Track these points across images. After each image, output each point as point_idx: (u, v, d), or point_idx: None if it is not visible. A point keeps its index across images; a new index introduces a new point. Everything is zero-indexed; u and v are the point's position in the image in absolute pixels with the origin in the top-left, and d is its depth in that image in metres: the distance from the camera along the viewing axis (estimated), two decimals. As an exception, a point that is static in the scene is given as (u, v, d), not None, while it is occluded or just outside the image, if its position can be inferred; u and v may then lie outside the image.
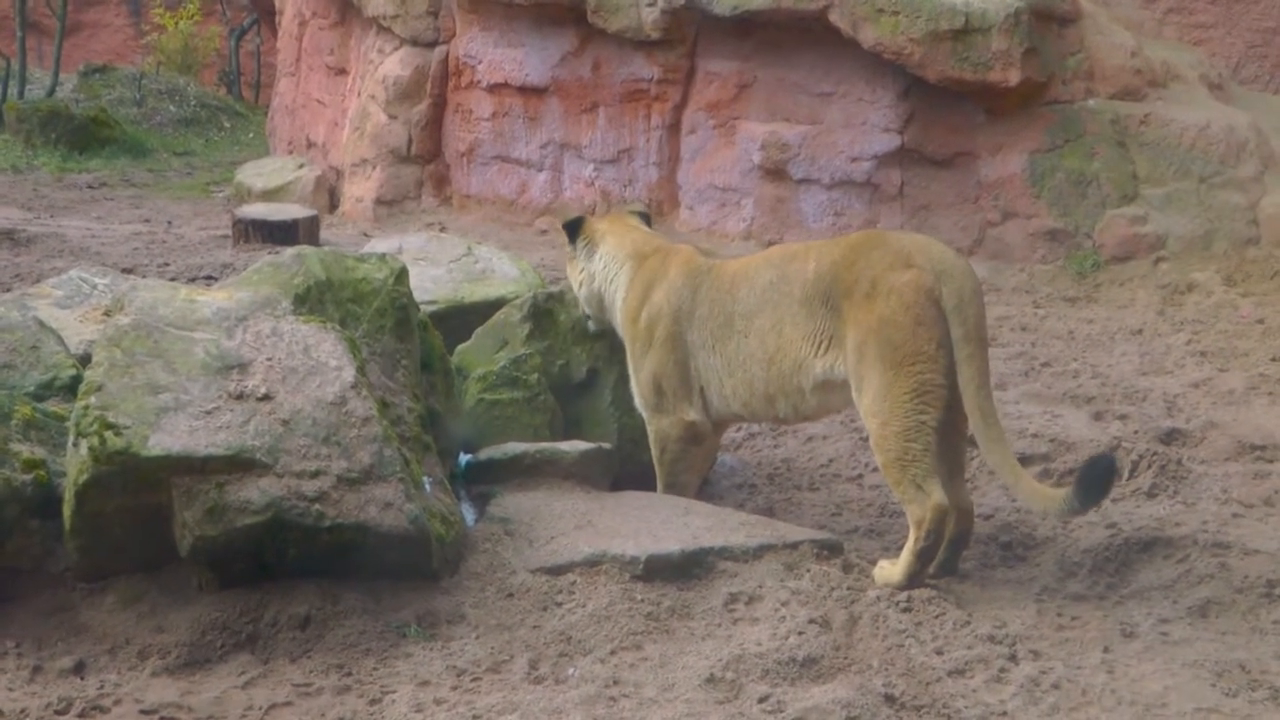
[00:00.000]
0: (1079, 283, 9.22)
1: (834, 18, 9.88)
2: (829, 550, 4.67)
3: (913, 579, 4.54)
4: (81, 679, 3.89)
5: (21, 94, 20.45)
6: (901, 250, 4.77)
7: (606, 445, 5.28)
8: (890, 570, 4.59)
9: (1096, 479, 4.45)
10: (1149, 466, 5.78)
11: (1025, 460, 5.94)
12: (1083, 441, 6.06)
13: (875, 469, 5.96)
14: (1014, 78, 9.57)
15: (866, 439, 6.25)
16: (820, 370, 4.90)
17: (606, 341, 5.62)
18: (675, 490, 5.24)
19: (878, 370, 4.69)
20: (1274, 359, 7.36)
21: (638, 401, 5.35)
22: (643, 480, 5.34)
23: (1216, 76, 10.83)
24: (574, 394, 5.62)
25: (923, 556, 4.57)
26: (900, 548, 4.72)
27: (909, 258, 4.74)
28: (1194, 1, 11.82)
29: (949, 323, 4.65)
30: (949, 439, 4.77)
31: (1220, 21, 11.72)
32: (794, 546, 4.62)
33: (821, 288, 4.89)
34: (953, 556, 4.80)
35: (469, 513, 4.79)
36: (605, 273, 5.53)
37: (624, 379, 5.53)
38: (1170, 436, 6.20)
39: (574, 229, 5.65)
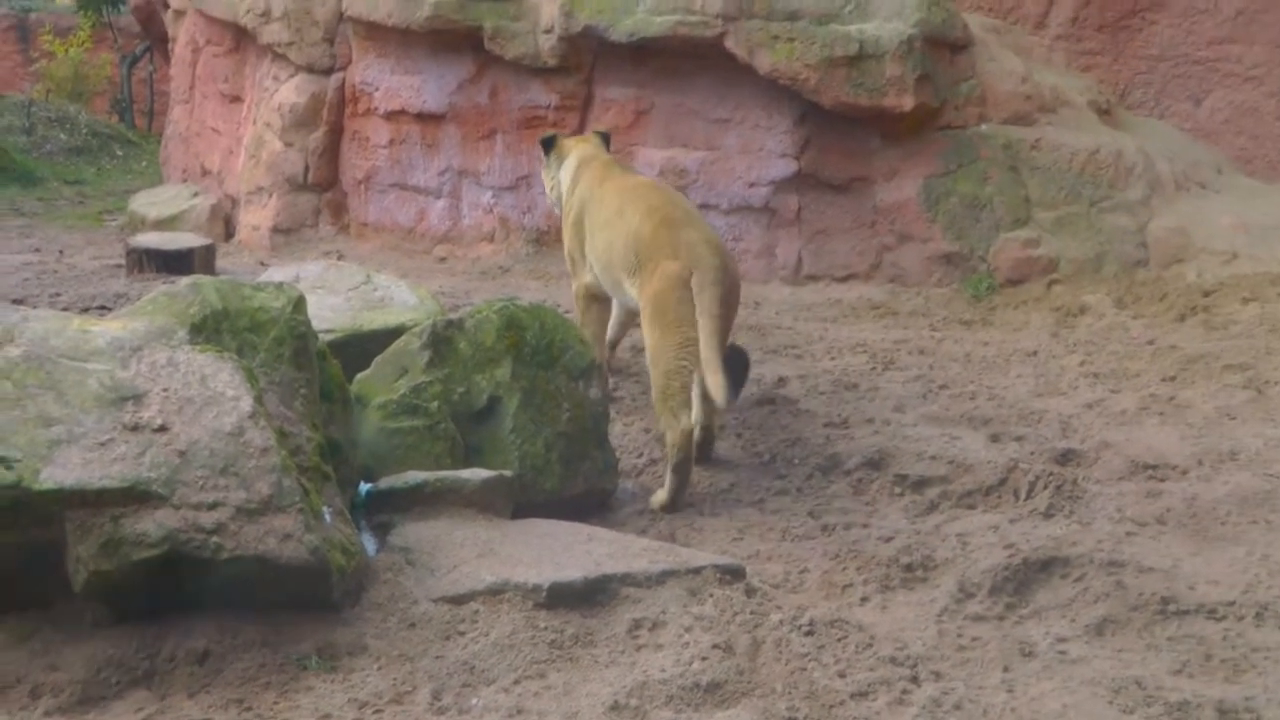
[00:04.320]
0: (974, 306, 9.32)
1: (730, 44, 9.95)
2: (731, 575, 4.69)
3: (678, 493, 5.87)
4: (-27, 719, 3.81)
5: (-95, 124, 20.10)
6: (675, 244, 6.36)
7: (508, 473, 5.26)
8: (661, 495, 5.91)
9: (736, 371, 6.11)
10: (1045, 487, 5.85)
11: (924, 482, 6.01)
12: (980, 463, 6.12)
13: (776, 493, 6.01)
14: (908, 103, 9.68)
15: (766, 463, 6.31)
16: (627, 286, 6.69)
17: (507, 368, 5.62)
18: (587, 338, 6.56)
19: (653, 327, 6.29)
20: (1165, 379, 7.48)
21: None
22: (544, 508, 5.33)
23: (1105, 102, 11.00)
24: (474, 422, 5.59)
25: (679, 471, 5.88)
26: (803, 571, 4.94)
27: (677, 251, 6.34)
28: (1082, 29, 12.00)
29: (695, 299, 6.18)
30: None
31: (1107, 49, 11.91)
32: (696, 572, 4.63)
33: (633, 244, 6.57)
34: (704, 452, 6.34)
35: (370, 542, 4.75)
36: (563, 174, 7.46)
37: (524, 406, 5.55)
38: (1065, 457, 6.28)
39: (549, 144, 7.64)
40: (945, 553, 5.22)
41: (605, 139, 7.74)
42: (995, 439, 6.59)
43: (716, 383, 5.88)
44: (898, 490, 6.01)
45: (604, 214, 6.95)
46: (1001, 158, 9.86)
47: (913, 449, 6.35)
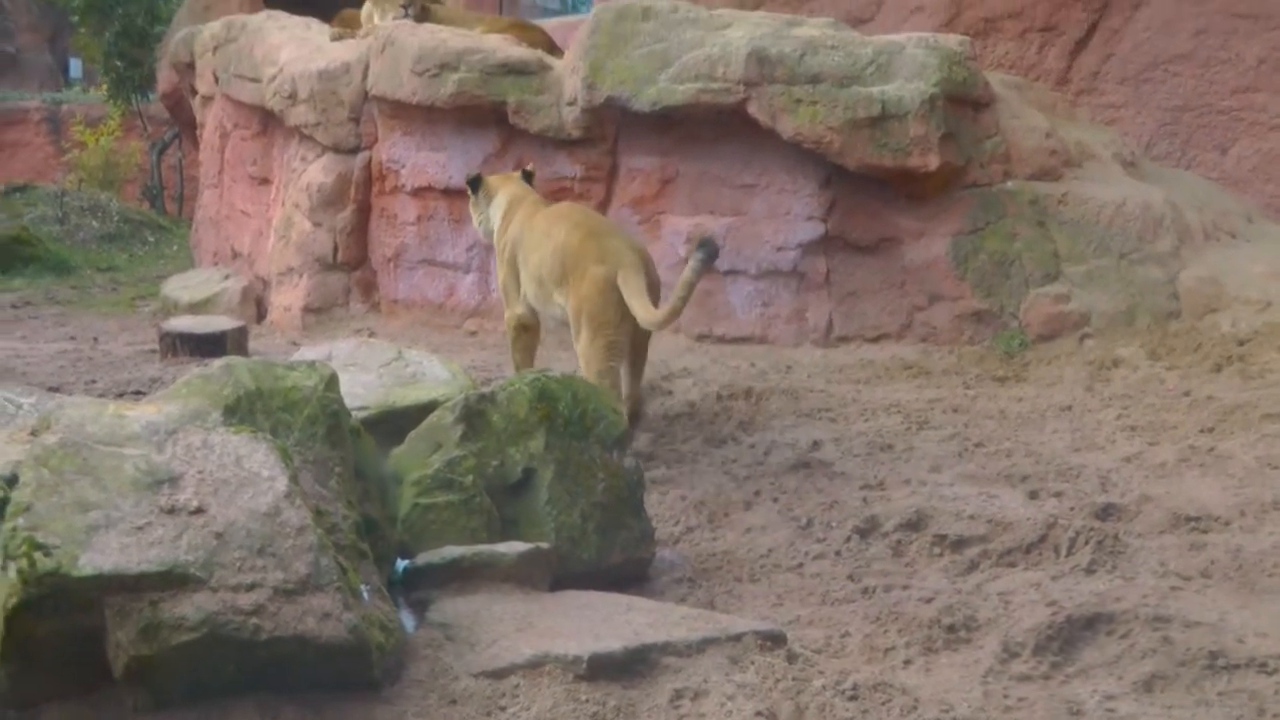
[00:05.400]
0: (1007, 362, 9.29)
1: (753, 109, 9.98)
2: (772, 641, 4.66)
3: None
4: (16, 809, 3.80)
5: (-60, 216, 20.30)
6: (601, 250, 7.25)
7: (544, 545, 5.25)
8: None
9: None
10: (1086, 542, 5.80)
11: (963, 541, 5.96)
12: (1019, 521, 6.07)
13: (815, 557, 5.97)
14: (933, 163, 9.69)
15: (804, 527, 6.28)
16: (556, 297, 7.54)
17: (541, 440, 5.61)
18: (516, 362, 7.99)
19: (584, 329, 7.24)
20: (1203, 430, 7.43)
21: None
22: (582, 579, 5.31)
23: (1129, 154, 11.00)
24: (510, 494, 5.58)
25: None
26: (845, 635, 4.91)
27: (603, 256, 7.22)
28: (1103, 83, 12.03)
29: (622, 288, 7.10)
30: (633, 361, 7.54)
31: (1130, 101, 11.94)
32: (737, 639, 4.60)
33: (560, 255, 7.45)
34: (634, 422, 7.20)
35: (408, 619, 4.74)
36: (492, 211, 8.25)
37: (559, 477, 5.54)
38: (1106, 512, 6.23)
39: (475, 184, 8.46)
40: (988, 612, 5.17)
41: (529, 177, 8.54)
42: (1034, 495, 6.55)
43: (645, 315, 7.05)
44: (937, 550, 5.97)
45: (535, 238, 7.73)
46: (1029, 213, 9.85)
47: (951, 508, 6.31)
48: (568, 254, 7.38)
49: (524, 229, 7.89)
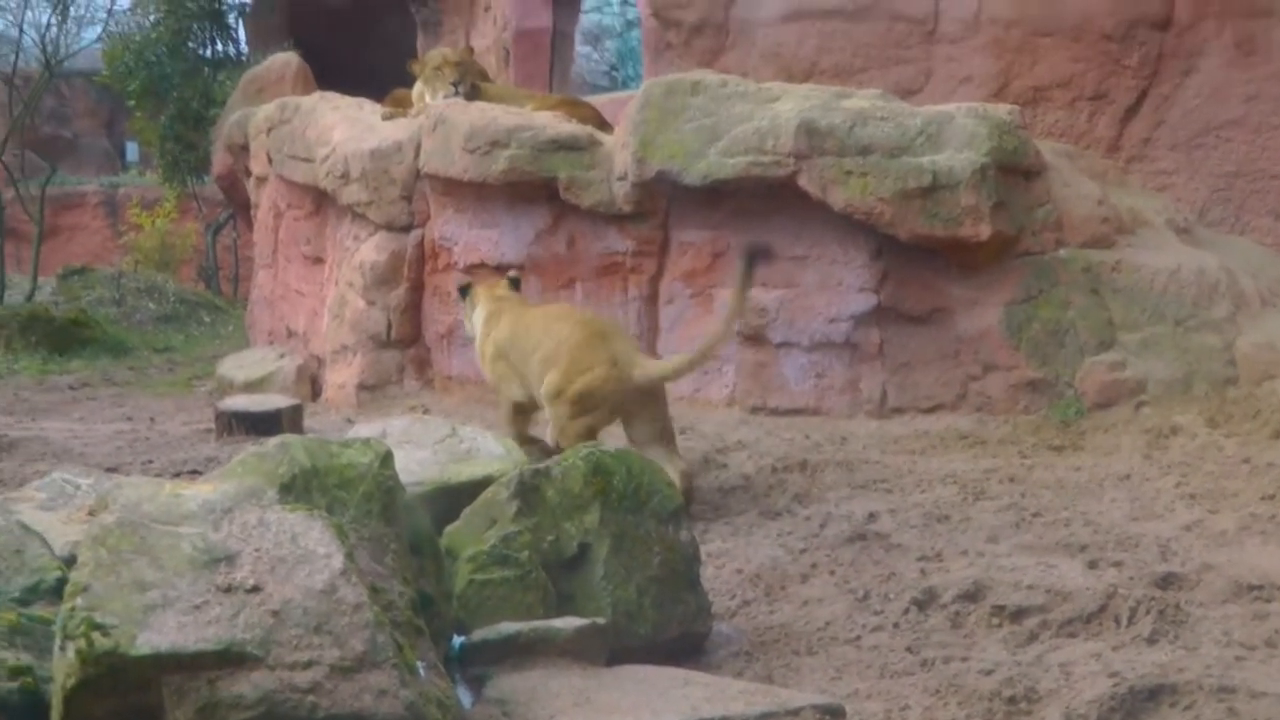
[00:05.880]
0: (1063, 431, 9.23)
1: (803, 182, 10.01)
2: (831, 715, 4.61)
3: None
4: None
5: (1, 299, 20.57)
6: (610, 352, 7.78)
7: (601, 620, 5.23)
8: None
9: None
10: (1147, 612, 5.73)
11: (1022, 612, 5.90)
12: (1079, 590, 6.01)
13: (873, 629, 5.92)
14: (984, 232, 9.68)
15: (861, 599, 6.24)
16: (546, 375, 7.95)
17: (596, 515, 5.60)
18: (515, 436, 7.98)
19: (570, 410, 7.79)
20: (1264, 498, 7.35)
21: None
22: (639, 654, 5.29)
23: (1182, 221, 10.97)
24: (565, 570, 5.57)
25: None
26: (904, 708, 4.86)
27: (613, 359, 7.75)
28: (1155, 150, 12.02)
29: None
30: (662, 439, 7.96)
31: (1182, 168, 11.91)
32: (795, 713, 4.56)
33: (564, 348, 7.93)
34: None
35: (465, 696, 4.73)
36: (476, 318, 8.79)
37: (614, 551, 5.52)
38: (1166, 581, 6.16)
39: (464, 291, 9.10)
40: (1048, 684, 5.11)
41: (516, 283, 9.10)
42: (1093, 565, 6.48)
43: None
44: (996, 621, 5.92)
45: (534, 336, 8.25)
46: (1082, 281, 9.81)
47: (1009, 579, 6.25)
48: (573, 347, 7.90)
49: (516, 327, 8.47)
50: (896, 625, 6.00)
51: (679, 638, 5.68)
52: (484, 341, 8.69)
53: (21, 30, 26.76)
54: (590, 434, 7.59)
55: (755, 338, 10.38)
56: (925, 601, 6.18)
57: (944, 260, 9.98)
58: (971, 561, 6.67)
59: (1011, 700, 5.02)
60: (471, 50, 13.78)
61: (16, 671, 4.19)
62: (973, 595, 6.15)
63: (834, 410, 10.08)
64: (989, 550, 6.85)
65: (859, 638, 5.90)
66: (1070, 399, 9.58)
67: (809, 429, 9.70)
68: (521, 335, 8.38)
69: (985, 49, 12.41)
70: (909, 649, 5.69)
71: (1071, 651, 5.47)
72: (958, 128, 9.88)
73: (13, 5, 27.60)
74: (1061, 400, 9.60)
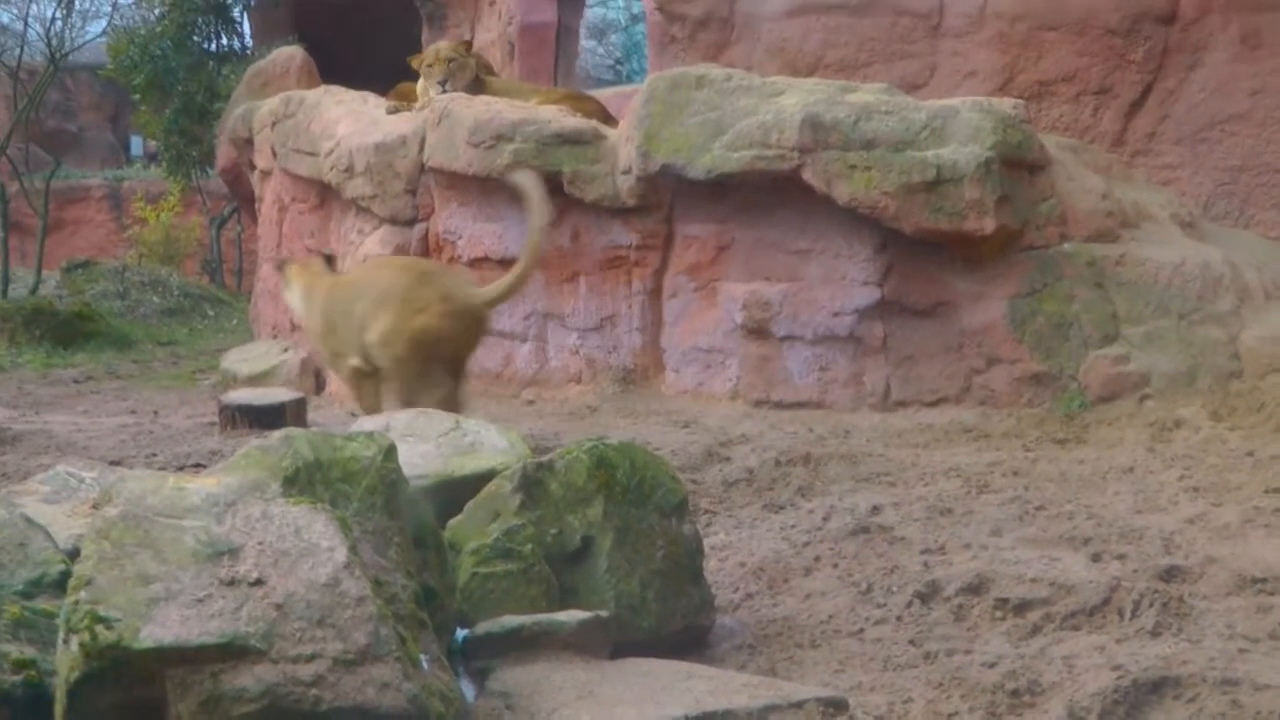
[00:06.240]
0: (1067, 424, 9.22)
1: (807, 176, 10.01)
2: (834, 707, 4.61)
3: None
4: None
5: (5, 293, 20.62)
6: (436, 291, 8.11)
7: (604, 613, 5.23)
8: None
9: None
10: (1150, 605, 5.73)
11: (1025, 605, 5.90)
12: (1082, 584, 6.01)
13: (876, 622, 5.93)
14: (989, 226, 9.67)
15: (864, 592, 6.24)
16: (368, 333, 8.31)
17: (599, 508, 5.60)
18: (366, 408, 8.46)
19: (405, 364, 8.11)
20: (1268, 491, 7.34)
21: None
22: (642, 647, 5.29)
23: (1187, 215, 10.95)
24: (569, 563, 5.57)
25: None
26: (907, 701, 4.85)
27: (442, 296, 8.08)
28: (1159, 144, 12.00)
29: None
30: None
31: (1186, 162, 11.90)
32: (799, 706, 4.57)
33: (390, 290, 8.26)
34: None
35: (468, 689, 4.73)
36: (295, 295, 9.14)
37: (618, 545, 5.52)
38: (1170, 574, 6.16)
39: (281, 268, 9.50)
40: (1052, 676, 5.11)
41: (330, 260, 9.47)
42: (1096, 558, 6.48)
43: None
44: (999, 614, 5.91)
45: (357, 287, 8.56)
46: (1086, 275, 9.81)
47: (1012, 572, 6.25)
48: (398, 288, 8.23)
49: (334, 292, 8.74)
50: (899, 618, 6.00)
51: (682, 631, 5.68)
52: (309, 317, 9.05)
53: (26, 24, 26.79)
54: (429, 379, 8.03)
55: (759, 331, 10.38)
56: (928, 594, 6.18)
57: (948, 254, 9.98)
58: (975, 554, 6.67)
59: (1015, 693, 5.02)
60: (470, 44, 13.74)
61: (20, 665, 4.19)
62: (976, 588, 6.15)
63: (838, 404, 10.09)
64: (992, 543, 6.84)
65: (862, 631, 5.90)
66: (1074, 392, 9.57)
67: (812, 422, 9.70)
68: (342, 292, 8.62)
69: (990, 43, 12.41)
70: (912, 642, 5.69)
71: (1075, 644, 5.47)
72: (962, 122, 9.88)
73: (17, -1, 27.65)
74: (1065, 394, 9.60)
